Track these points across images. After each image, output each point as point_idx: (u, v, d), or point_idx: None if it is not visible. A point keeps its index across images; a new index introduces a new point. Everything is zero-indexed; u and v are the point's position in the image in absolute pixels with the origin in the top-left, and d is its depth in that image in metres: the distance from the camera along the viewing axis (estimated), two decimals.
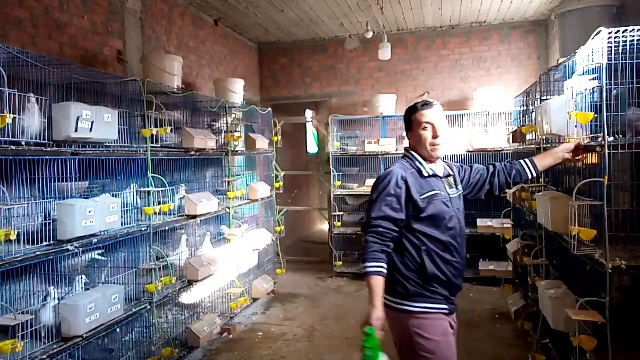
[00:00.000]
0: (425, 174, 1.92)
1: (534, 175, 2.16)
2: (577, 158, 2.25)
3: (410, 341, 1.87)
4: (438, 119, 1.94)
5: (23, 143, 2.25)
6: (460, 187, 2.08)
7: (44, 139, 2.39)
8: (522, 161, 2.17)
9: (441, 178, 1.98)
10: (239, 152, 4.68)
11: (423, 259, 1.86)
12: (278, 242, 5.45)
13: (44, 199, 2.58)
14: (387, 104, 5.88)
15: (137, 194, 3.21)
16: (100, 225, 2.62)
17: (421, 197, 1.87)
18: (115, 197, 2.95)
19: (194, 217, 3.59)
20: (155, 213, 3.18)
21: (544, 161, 2.17)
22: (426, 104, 1.97)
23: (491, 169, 2.17)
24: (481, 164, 2.21)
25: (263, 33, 6.10)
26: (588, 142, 2.39)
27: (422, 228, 1.88)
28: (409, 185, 1.87)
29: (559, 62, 3.55)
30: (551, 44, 5.57)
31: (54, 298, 2.52)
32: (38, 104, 2.39)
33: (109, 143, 2.86)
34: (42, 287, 2.59)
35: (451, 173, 2.05)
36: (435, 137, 1.92)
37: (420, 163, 1.95)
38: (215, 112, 4.28)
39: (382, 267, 1.83)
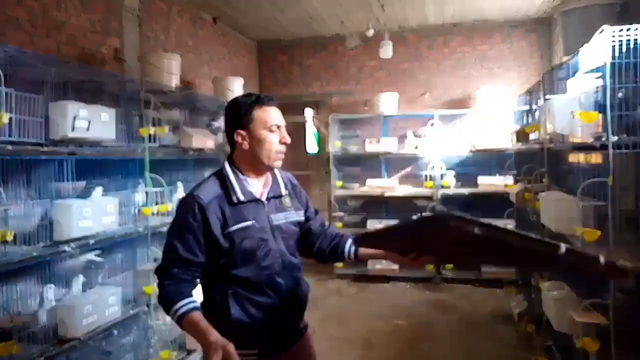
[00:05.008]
0: (235, 200, 1.48)
1: (352, 258, 1.67)
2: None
3: None
4: (283, 120, 1.55)
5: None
6: (299, 209, 1.66)
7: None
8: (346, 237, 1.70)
9: (261, 200, 1.55)
10: None
11: (228, 303, 1.47)
12: None
13: (40, 199, 2.55)
14: (388, 103, 5.83)
15: (134, 194, 3.17)
16: (97, 225, 2.60)
17: (224, 232, 1.45)
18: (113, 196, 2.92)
19: None
20: (152, 213, 3.14)
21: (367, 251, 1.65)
22: (271, 99, 1.54)
23: (326, 226, 1.74)
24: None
25: (262, 31, 6.06)
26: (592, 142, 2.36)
27: (228, 268, 1.48)
28: (208, 217, 1.44)
29: (562, 60, 3.52)
30: (554, 43, 5.52)
31: (51, 299, 2.50)
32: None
33: (106, 142, 2.83)
34: (38, 289, 2.57)
35: (284, 192, 1.62)
36: (283, 142, 1.54)
37: (232, 184, 1.51)
38: (214, 111, 4.25)
39: (191, 302, 1.40)
